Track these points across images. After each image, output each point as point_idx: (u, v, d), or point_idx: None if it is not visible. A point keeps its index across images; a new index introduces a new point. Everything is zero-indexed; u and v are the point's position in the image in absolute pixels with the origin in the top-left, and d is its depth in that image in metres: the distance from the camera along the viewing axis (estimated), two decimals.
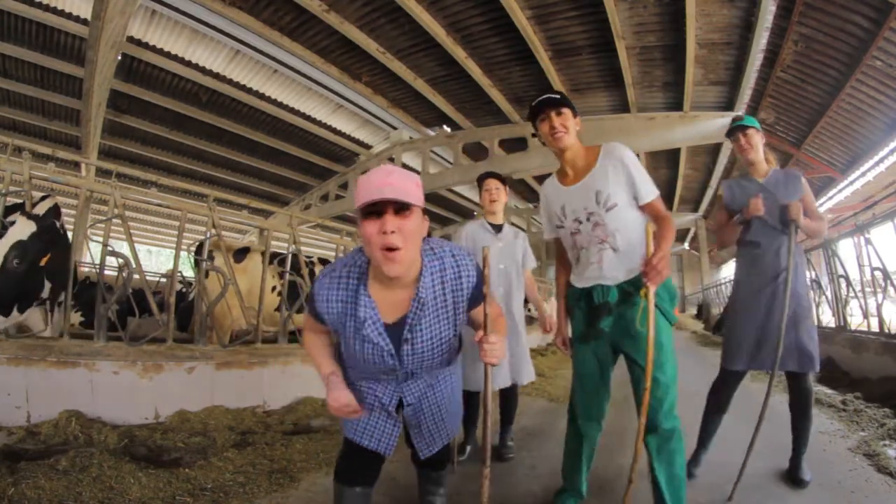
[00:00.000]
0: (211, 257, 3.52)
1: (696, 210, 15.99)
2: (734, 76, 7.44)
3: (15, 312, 2.29)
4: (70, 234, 2.89)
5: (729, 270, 18.98)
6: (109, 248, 2.81)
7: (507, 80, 8.23)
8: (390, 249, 1.03)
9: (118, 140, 10.67)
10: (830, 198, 11.41)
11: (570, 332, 1.80)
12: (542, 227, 1.85)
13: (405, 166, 11.19)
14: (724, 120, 8.17)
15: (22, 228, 2.30)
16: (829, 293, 5.47)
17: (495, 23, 6.64)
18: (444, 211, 16.16)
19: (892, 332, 4.08)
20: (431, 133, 10.80)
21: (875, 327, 4.34)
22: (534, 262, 2.64)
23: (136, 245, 3.18)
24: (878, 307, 4.29)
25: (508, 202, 2.58)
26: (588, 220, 1.63)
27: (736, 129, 2.12)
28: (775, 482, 2.01)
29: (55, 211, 2.67)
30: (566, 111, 1.63)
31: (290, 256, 3.66)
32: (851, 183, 10.00)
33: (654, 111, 8.57)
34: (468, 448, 2.44)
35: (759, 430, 1.90)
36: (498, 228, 2.54)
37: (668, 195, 13.54)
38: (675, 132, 8.49)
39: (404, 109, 9.72)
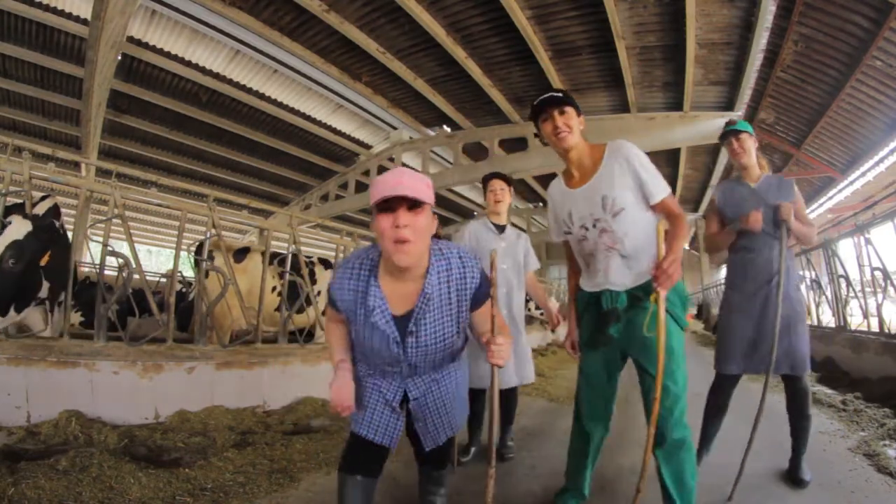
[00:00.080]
0: (211, 257, 3.52)
1: (696, 210, 15.98)
2: (734, 76, 7.43)
3: (12, 312, 2.29)
4: (70, 234, 2.90)
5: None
6: (109, 248, 2.81)
7: (507, 80, 8.23)
8: (402, 242, 1.11)
9: (118, 140, 10.67)
10: (830, 198, 11.41)
11: (577, 336, 1.77)
12: (550, 228, 1.80)
13: (405, 166, 11.18)
14: (724, 120, 8.12)
15: (17, 228, 2.30)
16: (829, 293, 5.47)
17: (495, 23, 6.64)
18: (444, 211, 16.15)
19: (892, 332, 4.08)
20: (431, 133, 10.79)
21: (875, 327, 4.34)
22: (537, 264, 2.64)
23: (136, 245, 3.18)
24: (878, 307, 4.29)
25: (511, 193, 2.60)
26: (594, 226, 1.57)
27: (729, 134, 2.13)
28: (775, 482, 2.01)
29: (55, 211, 2.67)
30: (569, 110, 1.57)
31: (290, 256, 3.66)
32: (851, 183, 10.00)
33: (654, 111, 8.57)
34: (472, 450, 2.44)
35: (757, 431, 1.91)
36: (501, 229, 2.54)
37: None
38: (675, 132, 8.49)
39: (404, 109, 9.71)
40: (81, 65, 6.91)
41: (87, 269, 6.52)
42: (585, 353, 1.69)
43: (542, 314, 8.65)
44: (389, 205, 1.11)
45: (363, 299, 1.23)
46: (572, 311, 1.79)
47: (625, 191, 1.52)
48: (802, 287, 6.66)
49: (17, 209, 2.47)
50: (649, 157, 1.60)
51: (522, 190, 14.28)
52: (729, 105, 8.17)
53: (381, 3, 6.36)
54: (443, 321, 1.26)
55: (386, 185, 1.11)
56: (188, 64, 8.25)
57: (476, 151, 10.75)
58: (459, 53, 7.22)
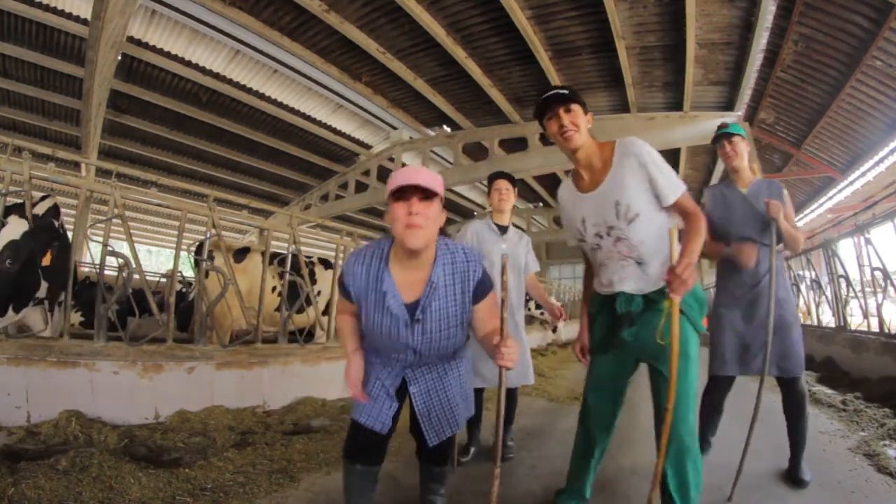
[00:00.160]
0: (211, 257, 3.52)
1: None
2: (734, 76, 7.43)
3: (10, 312, 2.29)
4: (70, 234, 2.90)
5: None
6: (109, 248, 2.81)
7: (507, 80, 8.23)
8: (414, 227, 1.22)
9: (118, 140, 10.67)
10: (830, 198, 11.39)
11: (587, 340, 1.72)
12: (565, 230, 1.72)
13: (405, 166, 11.18)
14: (724, 120, 8.16)
15: (14, 228, 2.30)
16: (829, 293, 5.47)
17: (495, 23, 6.63)
18: (444, 211, 16.14)
19: (892, 332, 4.09)
20: (431, 133, 10.79)
21: (875, 327, 4.34)
22: (537, 266, 2.65)
23: (136, 245, 3.18)
24: (878, 307, 4.29)
25: (515, 194, 2.60)
26: (609, 234, 1.49)
27: (721, 137, 2.14)
28: (775, 482, 2.01)
29: (54, 211, 2.67)
30: (576, 107, 1.48)
31: (289, 256, 3.66)
32: (851, 183, 9.99)
33: (654, 111, 8.56)
34: (472, 450, 2.44)
35: (754, 431, 1.91)
36: (503, 230, 2.54)
37: None
38: (675, 132, 8.49)
39: (404, 109, 9.71)
40: (81, 65, 6.91)
41: (87, 269, 6.52)
42: (596, 357, 1.63)
43: (542, 314, 8.66)
44: (404, 194, 1.24)
45: (375, 284, 1.32)
46: (584, 313, 1.73)
47: (638, 194, 1.43)
48: (803, 287, 6.74)
49: (17, 209, 2.47)
50: None
51: (522, 190, 14.26)
52: (729, 105, 8.17)
53: (381, 3, 6.36)
54: (447, 310, 1.34)
55: (402, 176, 1.25)
56: (188, 64, 8.25)
57: (476, 151, 10.75)
58: (459, 53, 7.22)
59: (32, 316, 2.65)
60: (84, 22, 6.51)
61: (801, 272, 6.91)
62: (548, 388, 4.39)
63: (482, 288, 1.36)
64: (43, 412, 2.33)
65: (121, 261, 2.86)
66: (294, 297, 3.61)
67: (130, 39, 7.33)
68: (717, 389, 2.12)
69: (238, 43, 7.75)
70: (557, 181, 12.67)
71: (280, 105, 9.69)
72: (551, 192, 14.61)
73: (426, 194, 1.25)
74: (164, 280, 5.89)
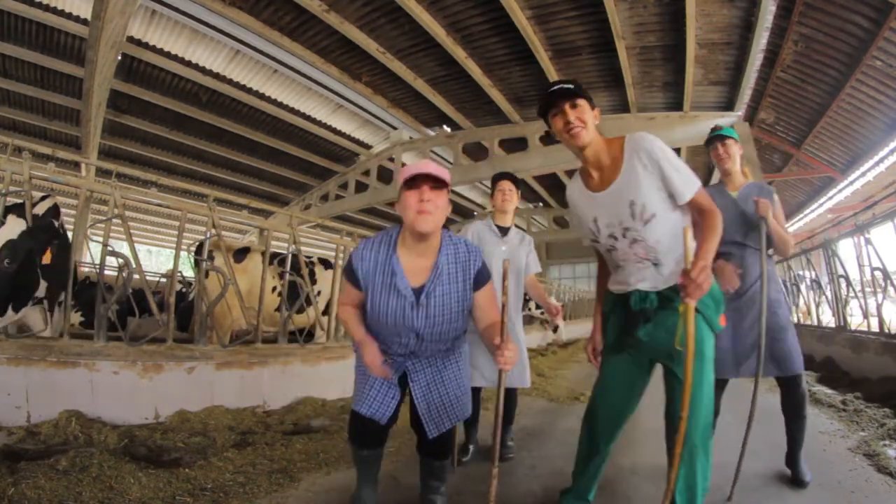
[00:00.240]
0: (211, 257, 3.52)
1: None
2: (734, 76, 7.44)
3: (10, 312, 2.29)
4: (70, 234, 2.90)
5: None
6: (109, 248, 2.81)
7: (507, 80, 8.24)
8: (424, 213, 1.32)
9: (118, 140, 10.67)
10: (830, 198, 11.41)
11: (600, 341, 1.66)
12: (575, 228, 1.66)
13: (405, 167, 11.18)
14: (724, 120, 8.16)
15: (11, 227, 2.30)
16: (829, 293, 5.47)
17: (495, 23, 6.64)
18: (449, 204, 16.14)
19: (892, 332, 4.09)
20: (431, 133, 10.80)
21: (875, 327, 4.34)
22: (538, 267, 2.64)
23: (136, 245, 3.18)
24: (878, 307, 4.29)
25: (518, 195, 2.61)
26: (624, 235, 1.42)
27: (715, 139, 2.13)
28: (775, 483, 2.01)
29: (54, 211, 2.67)
30: (582, 102, 1.41)
31: (289, 256, 3.66)
32: (851, 183, 9.99)
33: (654, 111, 8.57)
34: (470, 448, 2.45)
35: (751, 431, 1.91)
36: (504, 231, 2.54)
37: None
38: (675, 132, 8.49)
39: (404, 109, 9.72)
40: (81, 65, 6.92)
41: (87, 269, 6.52)
42: (608, 357, 1.55)
43: (542, 313, 8.66)
44: (416, 183, 1.35)
45: (384, 268, 1.41)
46: (597, 312, 1.66)
47: (652, 193, 1.37)
48: (803, 287, 6.74)
49: (17, 209, 2.47)
50: None
51: (523, 190, 14.24)
52: (729, 105, 8.18)
53: (381, 3, 6.37)
54: (450, 296, 1.43)
55: (414, 168, 1.36)
56: (188, 64, 8.26)
57: (476, 151, 10.75)
58: (459, 53, 7.22)
59: (32, 316, 2.65)
60: (84, 22, 6.52)
61: (801, 272, 6.90)
62: (548, 388, 4.38)
63: (482, 277, 1.46)
64: (43, 412, 2.33)
65: (121, 261, 2.86)
66: (294, 297, 3.60)
67: (130, 39, 7.33)
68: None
69: (238, 43, 7.76)
70: (557, 181, 12.68)
71: (280, 105, 9.70)
72: (551, 192, 14.63)
73: (436, 184, 1.36)
74: (164, 280, 5.89)
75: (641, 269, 1.44)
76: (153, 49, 7.78)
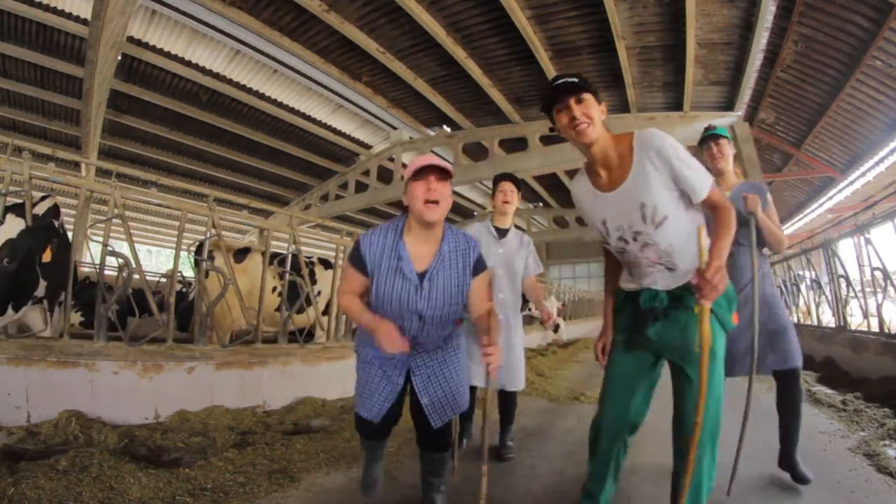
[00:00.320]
0: (211, 257, 3.52)
1: None
2: (734, 76, 7.44)
3: (10, 311, 2.29)
4: (70, 235, 2.90)
5: None
6: (109, 248, 2.81)
7: (507, 80, 8.23)
8: (432, 202, 1.42)
9: (118, 140, 10.67)
10: (830, 198, 11.40)
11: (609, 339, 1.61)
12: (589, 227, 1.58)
13: (405, 167, 11.19)
14: (723, 120, 8.16)
15: (10, 227, 2.30)
16: (829, 293, 5.47)
17: (495, 23, 6.64)
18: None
19: (892, 332, 4.09)
20: (431, 133, 10.80)
21: (875, 327, 4.34)
22: (539, 268, 2.63)
23: (136, 245, 3.18)
24: (878, 307, 4.29)
25: (519, 196, 2.62)
26: (635, 239, 1.37)
27: (708, 139, 2.15)
28: (776, 483, 2.01)
29: (54, 211, 2.67)
30: (588, 97, 1.34)
31: (289, 257, 3.66)
32: (851, 183, 9.99)
33: (654, 111, 8.57)
34: (464, 441, 2.48)
35: (746, 429, 1.90)
36: (503, 233, 2.55)
37: None
38: (675, 132, 8.46)
39: (404, 109, 9.71)
40: (81, 65, 6.92)
41: (87, 269, 6.52)
42: (615, 355, 1.50)
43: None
44: (423, 174, 1.44)
45: (391, 253, 1.49)
46: (607, 309, 1.62)
47: (663, 193, 1.32)
48: (803, 287, 6.74)
49: (17, 209, 2.47)
50: None
51: (523, 190, 14.25)
52: (729, 105, 8.18)
53: (381, 3, 6.37)
54: (451, 280, 1.52)
55: (421, 161, 1.46)
56: (188, 64, 8.25)
57: (476, 151, 10.75)
58: (459, 53, 7.22)
59: (32, 316, 2.65)
60: (84, 22, 6.52)
61: (801, 272, 6.90)
62: (548, 388, 4.38)
63: (479, 265, 1.57)
64: (43, 412, 2.33)
65: (121, 261, 2.86)
66: (294, 297, 3.61)
67: (130, 39, 7.33)
68: None
69: (238, 43, 7.76)
70: (557, 181, 12.68)
71: (280, 105, 9.70)
72: (551, 192, 14.63)
73: (441, 175, 1.46)
74: (164, 280, 5.88)
75: (653, 273, 1.40)
76: (153, 49, 7.78)
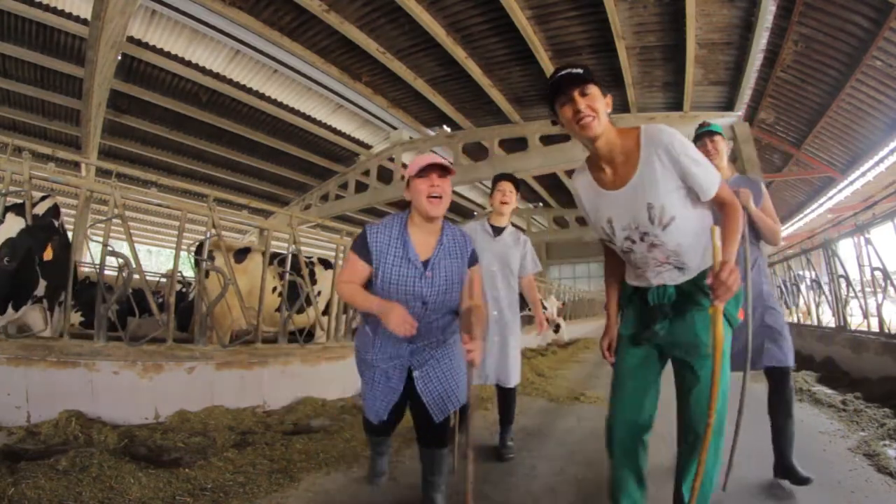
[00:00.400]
0: (211, 257, 3.52)
1: None
2: (734, 76, 7.44)
3: (10, 310, 2.29)
4: (70, 235, 2.90)
5: None
6: (109, 248, 2.81)
7: (507, 80, 8.24)
8: (435, 197, 1.53)
9: (118, 140, 10.68)
10: (830, 198, 11.41)
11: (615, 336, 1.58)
12: (589, 224, 1.54)
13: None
14: (724, 120, 8.17)
15: (11, 226, 2.30)
16: (829, 293, 5.47)
17: (495, 23, 6.64)
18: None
19: (892, 332, 4.09)
20: (431, 133, 10.80)
21: (875, 327, 4.34)
22: (537, 267, 2.65)
23: (136, 245, 3.18)
24: (878, 307, 4.29)
25: (517, 197, 2.64)
26: (642, 240, 1.33)
27: (703, 135, 2.15)
28: (775, 483, 2.01)
29: (55, 211, 2.67)
30: (593, 89, 1.28)
31: (289, 257, 3.66)
32: (851, 183, 10.00)
33: (654, 111, 8.57)
34: (464, 437, 2.49)
35: (741, 425, 1.88)
36: (498, 231, 2.56)
37: None
38: None
39: (404, 109, 9.72)
40: (81, 65, 6.92)
41: (87, 269, 6.52)
42: (623, 350, 1.46)
43: (543, 313, 8.66)
44: (426, 173, 1.54)
45: (397, 242, 1.59)
46: (610, 306, 1.59)
47: (671, 193, 1.28)
48: (803, 287, 6.74)
49: (17, 209, 2.47)
50: None
51: (522, 190, 14.27)
52: (729, 105, 8.18)
53: (381, 3, 6.37)
54: (451, 268, 1.62)
55: (424, 159, 1.56)
56: (188, 64, 8.25)
57: (476, 151, 10.75)
58: (459, 53, 7.22)
59: (32, 316, 2.65)
60: (84, 22, 6.52)
61: (801, 272, 6.90)
62: (548, 388, 4.38)
63: (473, 257, 1.70)
64: (43, 412, 2.33)
65: (121, 261, 2.86)
66: (294, 297, 3.61)
67: (130, 39, 7.33)
68: None
69: (238, 43, 7.76)
70: (557, 181, 12.68)
71: (280, 105, 9.70)
72: (551, 192, 14.63)
73: (443, 172, 1.56)
74: (164, 280, 5.88)
75: (662, 272, 1.37)
76: (153, 49, 7.78)
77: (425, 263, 1.60)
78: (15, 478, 1.69)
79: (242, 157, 11.89)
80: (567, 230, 17.22)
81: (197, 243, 3.53)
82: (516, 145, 9.96)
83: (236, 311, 3.49)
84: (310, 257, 4.37)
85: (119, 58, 7.17)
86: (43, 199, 2.69)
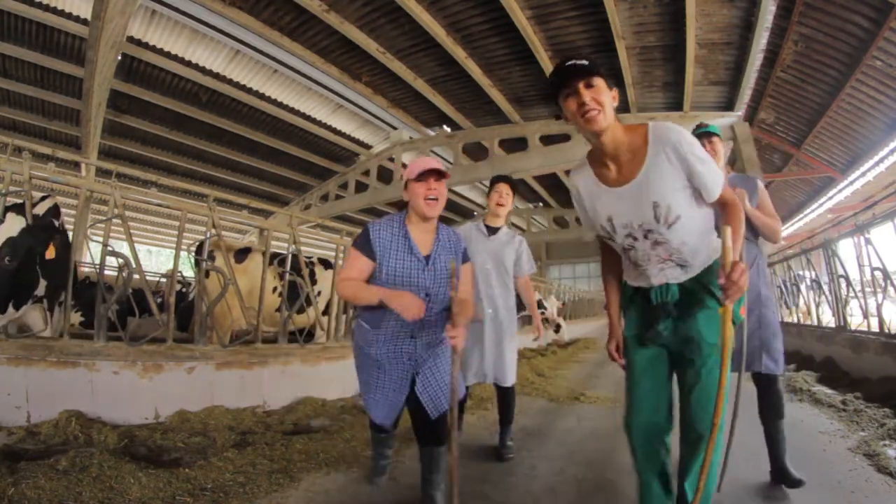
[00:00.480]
0: (211, 257, 3.52)
1: None
2: (734, 76, 7.44)
3: (11, 310, 2.29)
4: (70, 235, 2.89)
5: None
6: (109, 248, 2.81)
7: (507, 80, 8.24)
8: (433, 199, 1.65)
9: (118, 140, 10.68)
10: (830, 198, 11.41)
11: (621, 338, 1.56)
12: (583, 222, 1.50)
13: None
14: (724, 120, 8.18)
15: (11, 225, 2.30)
16: (829, 293, 5.47)
17: (495, 23, 6.64)
18: (444, 211, 16.11)
19: (892, 332, 4.08)
20: (431, 133, 10.80)
21: (875, 327, 4.34)
22: (531, 268, 2.67)
23: (136, 245, 3.18)
24: (878, 307, 4.29)
25: (513, 199, 2.66)
26: (646, 237, 1.31)
27: (701, 136, 2.15)
28: (775, 484, 2.00)
29: (55, 211, 2.67)
30: (598, 82, 1.25)
31: (289, 257, 3.66)
32: (851, 183, 10.00)
33: (654, 111, 8.58)
34: (459, 433, 2.52)
35: (736, 425, 1.88)
36: (493, 231, 2.59)
37: None
38: None
39: (404, 109, 9.72)
40: (81, 65, 6.92)
41: (87, 269, 6.52)
42: (632, 351, 1.42)
43: (542, 312, 8.68)
44: (424, 177, 1.65)
45: (398, 238, 1.70)
46: (612, 308, 1.55)
47: (678, 192, 1.25)
48: (803, 287, 6.74)
49: (18, 209, 2.47)
50: None
51: (523, 190, 14.29)
52: (729, 105, 8.18)
53: (381, 3, 6.37)
54: (448, 263, 1.72)
55: (422, 164, 1.67)
56: (188, 64, 8.26)
57: (476, 151, 10.75)
58: (459, 53, 7.22)
59: (32, 316, 2.65)
60: (84, 22, 6.52)
61: (801, 272, 6.90)
62: (548, 388, 4.38)
63: (465, 255, 1.83)
64: (43, 412, 2.33)
65: (121, 261, 2.86)
66: (294, 297, 3.61)
67: (130, 39, 7.33)
68: None
69: (238, 43, 7.76)
70: (557, 181, 12.69)
71: (280, 105, 9.70)
72: (551, 192, 14.63)
73: (439, 177, 1.67)
74: (164, 280, 5.88)
75: (665, 270, 1.34)
76: (153, 49, 7.78)
77: (427, 258, 1.71)
78: (15, 478, 1.69)
79: (242, 157, 11.89)
80: (567, 230, 17.23)
81: (197, 243, 3.53)
82: (516, 145, 9.96)
83: (236, 311, 3.49)
84: (310, 257, 4.37)
85: (119, 58, 7.17)
86: (43, 199, 2.69)
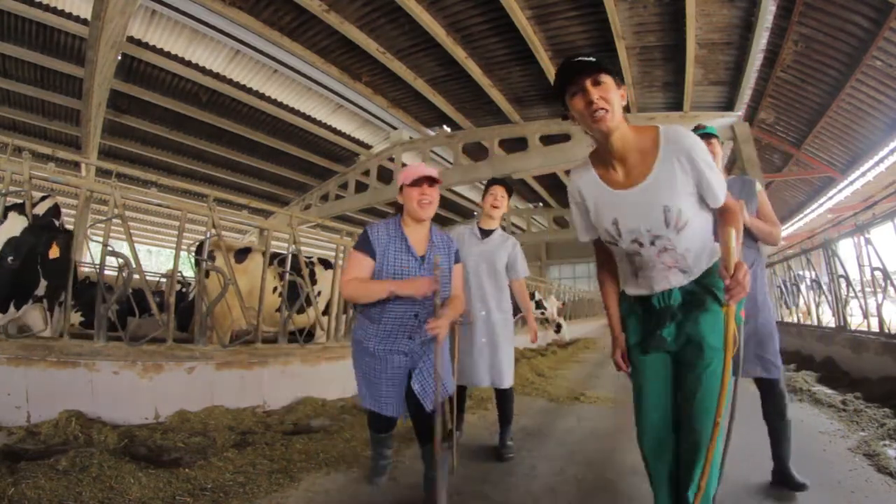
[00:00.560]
0: (211, 257, 3.52)
1: None
2: (734, 76, 7.43)
3: (11, 309, 2.29)
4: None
5: None
6: (109, 248, 2.81)
7: (507, 80, 8.23)
8: (426, 203, 1.76)
9: (118, 140, 10.67)
10: (830, 198, 11.40)
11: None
12: (576, 226, 1.48)
13: (405, 166, 11.19)
14: (724, 120, 8.17)
15: (12, 225, 2.30)
16: (829, 293, 5.48)
17: (495, 23, 6.64)
18: (444, 211, 16.15)
19: (892, 332, 4.08)
20: (431, 133, 10.79)
21: (875, 327, 4.34)
22: (525, 271, 2.67)
23: (136, 245, 3.18)
24: (878, 307, 4.29)
25: (508, 202, 2.66)
26: (653, 243, 1.27)
27: (700, 138, 2.15)
28: (775, 484, 2.00)
29: (55, 211, 2.67)
30: (607, 79, 1.19)
31: (289, 257, 3.66)
32: (851, 183, 9.99)
33: (654, 111, 8.57)
34: (459, 434, 2.55)
35: (733, 426, 1.88)
36: (486, 234, 2.60)
37: None
38: None
39: (404, 109, 9.71)
40: (81, 65, 6.91)
41: (87, 269, 6.52)
42: (636, 359, 1.40)
43: (542, 313, 8.69)
44: (418, 183, 1.76)
45: (396, 239, 1.80)
46: (616, 318, 1.51)
47: (687, 197, 1.24)
48: (803, 287, 6.74)
49: (18, 209, 2.47)
50: None
51: (523, 190, 14.28)
52: (729, 105, 8.18)
53: (381, 3, 6.36)
54: (443, 262, 1.79)
55: (416, 170, 1.78)
56: (188, 64, 8.25)
57: (476, 151, 10.75)
58: (459, 53, 7.22)
59: (32, 316, 2.65)
60: (84, 22, 6.51)
61: (801, 272, 6.90)
62: (548, 388, 4.39)
63: (457, 257, 1.94)
64: (43, 412, 2.33)
65: (121, 261, 2.86)
66: (294, 297, 3.61)
67: (130, 39, 7.33)
68: None
69: (238, 43, 7.75)
70: (557, 181, 12.67)
71: (280, 105, 9.69)
72: (551, 192, 14.61)
73: (432, 182, 1.78)
74: (164, 280, 5.88)
75: (668, 276, 1.31)
76: (153, 49, 7.77)
77: (422, 258, 1.82)
78: (15, 478, 1.69)
79: (242, 157, 11.88)
80: (567, 230, 17.18)
81: (197, 243, 3.53)
82: (516, 145, 9.95)
83: (236, 311, 3.49)
84: (310, 257, 4.37)
85: (119, 58, 7.16)
86: (43, 199, 2.69)
